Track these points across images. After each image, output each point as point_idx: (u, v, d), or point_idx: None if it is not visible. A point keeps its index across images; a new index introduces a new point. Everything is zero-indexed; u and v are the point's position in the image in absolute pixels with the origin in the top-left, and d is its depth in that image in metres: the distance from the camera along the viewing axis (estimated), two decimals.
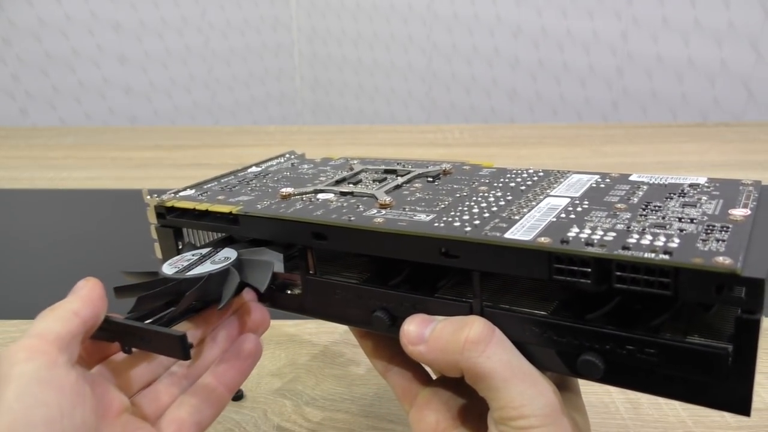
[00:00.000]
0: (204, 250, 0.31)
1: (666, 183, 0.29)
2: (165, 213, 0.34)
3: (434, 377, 0.31)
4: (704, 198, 0.27)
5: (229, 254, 0.30)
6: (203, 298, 0.29)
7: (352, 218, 0.27)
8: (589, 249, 0.22)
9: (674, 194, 0.27)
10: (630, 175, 0.31)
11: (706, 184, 0.29)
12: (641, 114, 1.53)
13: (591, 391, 0.38)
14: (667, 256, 0.20)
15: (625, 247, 0.21)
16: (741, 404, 0.21)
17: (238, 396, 0.40)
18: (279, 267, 0.30)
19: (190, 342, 0.24)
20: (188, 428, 0.27)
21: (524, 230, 0.24)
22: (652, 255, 0.21)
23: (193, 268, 0.29)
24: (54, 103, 1.68)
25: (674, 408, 0.38)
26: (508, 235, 0.24)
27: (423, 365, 0.31)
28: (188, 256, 0.30)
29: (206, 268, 0.29)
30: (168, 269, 0.29)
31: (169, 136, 1.16)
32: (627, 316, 0.23)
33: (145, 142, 1.10)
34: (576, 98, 1.61)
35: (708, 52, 1.40)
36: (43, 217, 0.75)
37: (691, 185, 0.29)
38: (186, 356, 0.24)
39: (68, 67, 1.67)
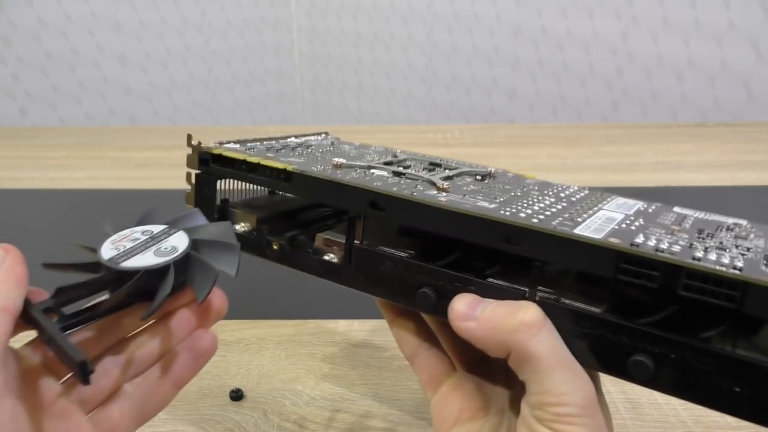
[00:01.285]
0: (157, 228, 0.27)
1: (709, 219, 0.31)
2: (210, 160, 0.33)
3: (459, 370, 0.31)
4: (752, 235, 0.28)
5: (178, 243, 0.26)
6: (134, 294, 0.25)
7: (415, 193, 0.27)
8: (660, 254, 0.23)
9: (722, 228, 0.29)
10: (674, 206, 0.32)
11: (749, 225, 0.30)
12: (641, 114, 1.53)
13: None
14: (737, 271, 0.22)
15: (696, 258, 0.23)
16: None
17: (238, 396, 0.40)
18: (232, 268, 0.26)
19: (92, 369, 0.21)
20: (127, 423, 0.25)
21: (591, 230, 0.25)
22: (723, 268, 0.22)
23: (133, 254, 0.25)
24: (54, 103, 1.68)
25: (674, 408, 0.38)
26: (577, 230, 0.25)
27: (450, 355, 0.31)
28: (138, 234, 0.26)
29: (146, 259, 0.24)
30: (106, 251, 0.25)
31: (169, 136, 1.16)
32: (675, 326, 0.23)
33: (145, 142, 1.10)
34: (576, 98, 1.61)
35: (708, 52, 1.40)
36: (43, 217, 0.75)
37: (734, 224, 0.30)
38: (85, 382, 0.22)
39: (68, 67, 1.67)
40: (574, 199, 0.31)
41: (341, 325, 0.48)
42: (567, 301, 0.25)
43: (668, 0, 1.41)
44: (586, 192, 0.33)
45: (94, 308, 0.25)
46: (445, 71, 1.79)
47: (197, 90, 1.88)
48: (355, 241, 0.29)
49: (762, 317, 0.22)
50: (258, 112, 2.02)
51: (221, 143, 0.35)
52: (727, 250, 0.24)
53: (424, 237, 0.29)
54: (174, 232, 0.27)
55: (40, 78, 1.64)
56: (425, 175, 0.32)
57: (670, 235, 0.26)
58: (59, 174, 0.90)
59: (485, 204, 0.27)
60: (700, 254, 0.23)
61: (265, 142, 0.37)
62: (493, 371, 0.30)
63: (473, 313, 0.25)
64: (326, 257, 0.30)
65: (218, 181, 0.33)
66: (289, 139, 0.40)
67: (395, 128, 1.24)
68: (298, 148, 0.37)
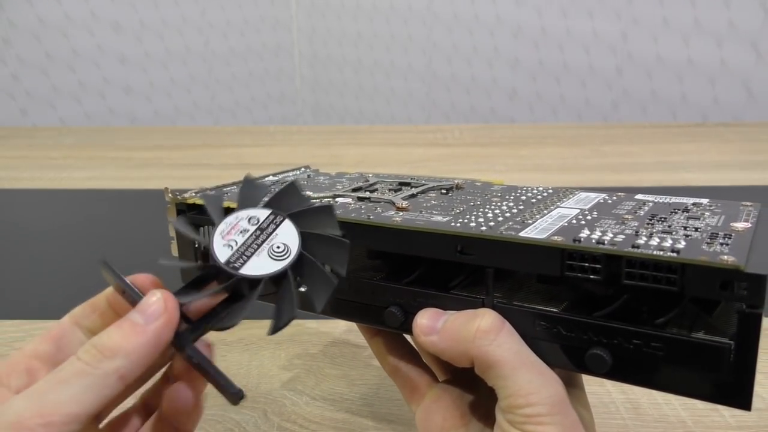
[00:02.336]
0: (262, 214, 0.26)
1: (670, 202, 0.31)
2: (186, 210, 0.34)
3: (441, 380, 0.31)
4: (707, 213, 0.28)
5: (289, 239, 0.25)
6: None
7: (371, 216, 0.28)
8: (601, 247, 0.23)
9: (678, 210, 0.29)
10: (636, 194, 0.33)
11: (709, 204, 0.30)
12: (641, 114, 1.53)
13: (591, 390, 0.38)
14: (674, 254, 0.22)
15: (635, 246, 0.23)
16: (742, 399, 0.22)
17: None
18: (342, 268, 0.26)
19: (244, 395, 0.23)
20: None
21: (538, 231, 0.25)
22: (661, 252, 0.22)
23: (248, 255, 0.24)
24: (54, 103, 1.68)
25: (674, 408, 0.38)
26: (522, 234, 0.25)
27: (430, 367, 0.31)
28: (244, 223, 0.25)
29: (263, 263, 0.24)
30: (220, 250, 0.24)
31: (169, 136, 1.16)
32: (632, 316, 0.24)
33: (145, 142, 1.10)
34: (576, 98, 1.61)
35: (708, 52, 1.40)
36: (43, 217, 0.75)
37: (694, 204, 0.30)
38: (235, 404, 0.23)
39: (68, 67, 1.67)
40: (534, 200, 0.32)
41: (341, 325, 0.48)
42: (521, 304, 0.26)
43: (668, 0, 1.41)
44: (550, 191, 0.34)
45: (211, 314, 0.24)
46: (445, 71, 1.79)
47: (197, 90, 1.89)
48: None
49: (704, 297, 0.22)
50: (258, 112, 2.02)
51: (198, 191, 0.36)
52: (673, 233, 0.24)
53: (390, 260, 0.30)
54: (280, 221, 0.26)
55: (40, 78, 1.64)
56: (389, 196, 0.33)
57: (620, 224, 0.26)
58: (59, 174, 0.90)
59: (439, 218, 0.28)
60: (641, 241, 0.23)
61: None
62: (475, 380, 0.30)
63: (435, 327, 0.26)
64: (302, 289, 0.31)
65: (201, 228, 0.34)
66: (267, 178, 0.41)
67: (395, 128, 1.24)
68: (273, 186, 0.38)
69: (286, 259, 0.25)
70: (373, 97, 1.95)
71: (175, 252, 0.35)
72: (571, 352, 0.24)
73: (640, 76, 1.50)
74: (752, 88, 1.38)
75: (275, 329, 0.24)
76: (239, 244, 0.25)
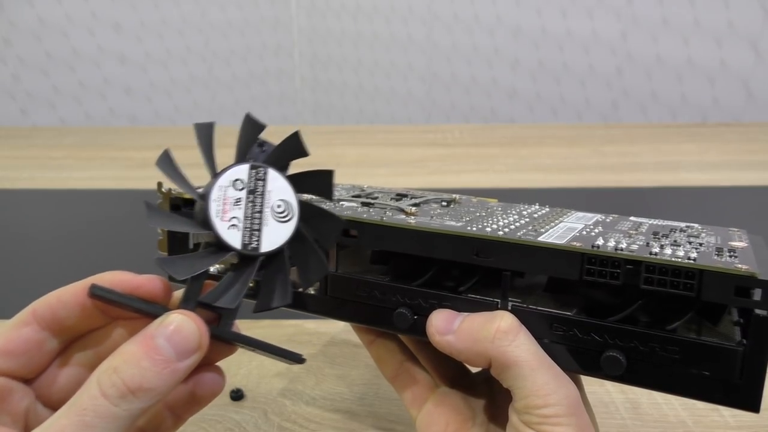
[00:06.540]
0: (243, 173, 0.24)
1: (664, 224, 0.32)
2: (181, 205, 0.32)
3: (440, 386, 0.31)
4: (703, 234, 0.29)
5: (282, 192, 0.24)
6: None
7: (384, 218, 0.28)
8: (620, 252, 0.24)
9: (675, 230, 0.30)
10: (630, 216, 0.34)
11: (701, 227, 0.31)
12: (641, 114, 1.53)
13: (591, 390, 0.38)
14: (692, 261, 0.23)
15: (653, 253, 0.24)
16: (751, 402, 0.22)
17: (238, 396, 0.40)
18: (330, 198, 0.25)
19: (304, 359, 0.25)
20: None
21: (554, 237, 0.26)
22: (679, 260, 0.23)
23: (256, 227, 0.23)
24: (54, 103, 1.68)
25: (674, 408, 0.38)
26: (541, 239, 0.26)
27: (430, 372, 0.31)
28: (232, 191, 0.23)
29: (275, 231, 0.23)
30: (229, 235, 0.23)
31: (169, 136, 1.16)
32: (646, 321, 0.25)
33: (145, 142, 1.10)
34: (576, 98, 1.61)
35: (708, 52, 1.40)
36: (43, 217, 0.75)
37: (687, 226, 0.31)
38: (301, 363, 0.25)
39: (68, 67, 1.67)
40: (536, 215, 0.32)
41: (341, 325, 0.48)
42: (538, 307, 0.26)
43: (668, 0, 1.41)
44: (547, 209, 0.35)
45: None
46: (445, 71, 1.79)
47: (197, 90, 1.89)
48: (330, 269, 0.30)
49: (720, 303, 0.23)
50: (258, 112, 2.01)
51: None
52: (682, 246, 0.26)
53: (397, 263, 0.30)
54: (263, 173, 0.24)
55: (40, 78, 1.64)
56: (393, 203, 0.33)
57: (628, 237, 0.27)
58: (59, 174, 0.90)
59: (452, 223, 0.28)
60: (656, 250, 0.24)
61: None
62: (475, 384, 0.30)
63: (451, 327, 0.26)
64: (301, 290, 0.31)
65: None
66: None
67: (395, 128, 1.24)
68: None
69: (292, 217, 0.24)
70: (373, 97, 1.95)
71: (164, 250, 0.34)
72: (585, 354, 0.25)
73: (639, 76, 1.50)
74: (752, 88, 1.38)
75: (309, 284, 0.24)
76: (242, 220, 0.23)
